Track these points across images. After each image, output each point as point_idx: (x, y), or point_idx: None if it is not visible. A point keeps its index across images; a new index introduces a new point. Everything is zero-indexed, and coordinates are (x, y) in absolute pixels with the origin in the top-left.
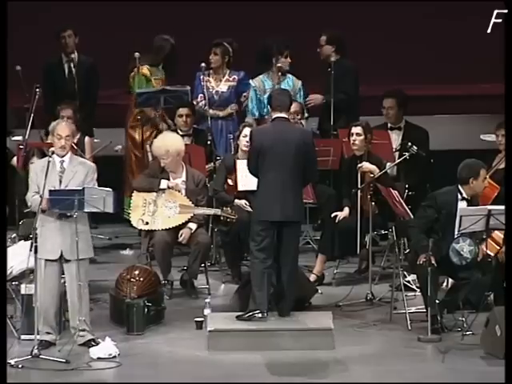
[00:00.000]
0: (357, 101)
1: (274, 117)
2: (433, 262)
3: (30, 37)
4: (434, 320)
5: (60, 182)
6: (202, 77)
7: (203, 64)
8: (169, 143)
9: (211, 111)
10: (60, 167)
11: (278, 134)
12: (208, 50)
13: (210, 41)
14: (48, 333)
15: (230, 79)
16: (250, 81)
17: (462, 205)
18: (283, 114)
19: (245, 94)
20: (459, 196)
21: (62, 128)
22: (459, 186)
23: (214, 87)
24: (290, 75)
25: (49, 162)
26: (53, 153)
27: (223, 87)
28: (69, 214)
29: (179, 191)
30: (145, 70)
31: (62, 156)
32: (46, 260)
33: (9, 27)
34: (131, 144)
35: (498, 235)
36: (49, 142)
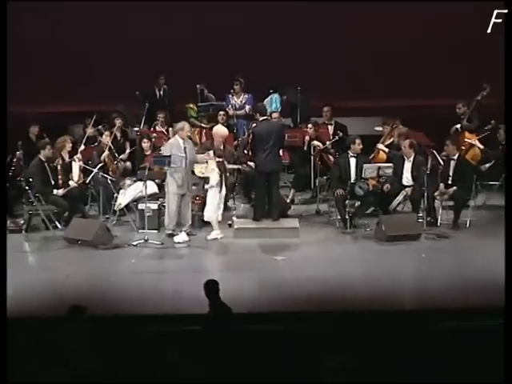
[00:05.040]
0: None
1: (261, 119)
2: (341, 193)
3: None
4: (344, 223)
5: (185, 153)
6: (230, 96)
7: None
8: (223, 131)
9: (233, 112)
10: (184, 144)
11: (266, 127)
12: (230, 83)
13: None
14: (172, 230)
15: (244, 97)
16: (277, 96)
17: (352, 160)
18: (266, 117)
19: (249, 107)
20: (349, 155)
21: (188, 125)
22: (348, 150)
23: (236, 101)
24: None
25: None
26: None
27: (242, 101)
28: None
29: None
30: (191, 106)
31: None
32: (178, 194)
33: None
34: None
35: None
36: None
